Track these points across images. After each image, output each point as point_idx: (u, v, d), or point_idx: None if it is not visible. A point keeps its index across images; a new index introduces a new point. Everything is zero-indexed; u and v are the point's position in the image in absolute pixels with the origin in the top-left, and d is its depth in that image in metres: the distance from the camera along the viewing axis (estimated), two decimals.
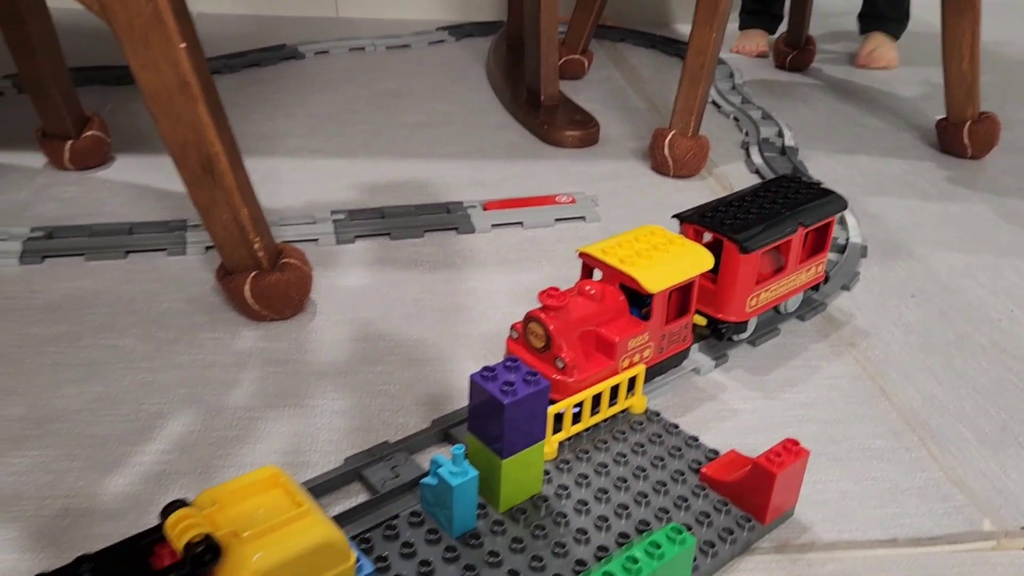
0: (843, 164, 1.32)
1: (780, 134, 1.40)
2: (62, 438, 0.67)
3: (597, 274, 0.76)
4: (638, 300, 0.73)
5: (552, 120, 1.36)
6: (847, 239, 1.05)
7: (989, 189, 1.25)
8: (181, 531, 0.46)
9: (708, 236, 0.82)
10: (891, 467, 0.70)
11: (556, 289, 0.69)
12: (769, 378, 0.80)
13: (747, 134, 1.41)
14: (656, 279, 0.71)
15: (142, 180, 1.12)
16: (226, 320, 0.84)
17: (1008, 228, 1.14)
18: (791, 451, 0.62)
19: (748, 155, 1.32)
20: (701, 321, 0.82)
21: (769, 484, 0.61)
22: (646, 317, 0.73)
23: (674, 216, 0.82)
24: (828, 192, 0.87)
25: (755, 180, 1.24)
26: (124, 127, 1.25)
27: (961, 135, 1.34)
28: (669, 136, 1.21)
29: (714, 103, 1.55)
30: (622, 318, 0.72)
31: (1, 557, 0.57)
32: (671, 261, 0.73)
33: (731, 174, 1.25)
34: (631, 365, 0.72)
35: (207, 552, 0.45)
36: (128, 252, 0.94)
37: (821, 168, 1.28)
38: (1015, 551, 0.62)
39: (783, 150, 1.33)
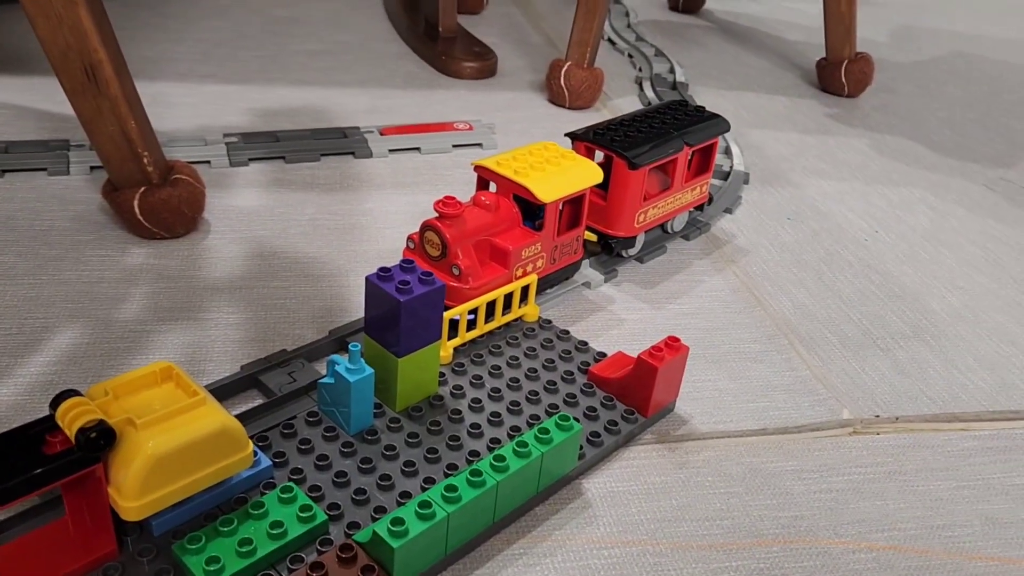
0: (729, 100, 1.37)
1: (672, 71, 1.44)
2: None
3: (493, 188, 0.78)
4: (531, 212, 0.76)
5: (450, 51, 1.35)
6: (731, 167, 1.10)
7: (863, 125, 1.33)
8: (73, 418, 0.46)
9: (600, 156, 0.85)
10: (764, 367, 0.75)
11: (452, 198, 0.71)
12: (655, 291, 0.84)
13: (640, 70, 1.45)
14: (549, 190, 0.74)
15: (19, 100, 1.07)
16: (114, 237, 0.82)
17: (878, 160, 1.21)
18: (672, 347, 0.66)
19: (641, 89, 1.36)
20: (592, 238, 0.85)
21: (651, 378, 0.64)
22: (539, 228, 0.75)
23: (567, 134, 0.85)
24: (713, 116, 0.91)
25: None
26: (1, 47, 1.19)
27: (839, 74, 1.41)
28: (565, 67, 1.23)
29: (609, 40, 1.58)
30: (516, 228, 0.75)
31: None
32: (563, 174, 0.76)
33: (624, 107, 1.29)
34: (525, 274, 0.75)
35: (100, 437, 0.45)
36: (4, 171, 0.90)
37: (709, 102, 1.33)
38: (868, 435, 0.69)
39: (674, 85, 1.37)
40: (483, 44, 1.41)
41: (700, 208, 0.95)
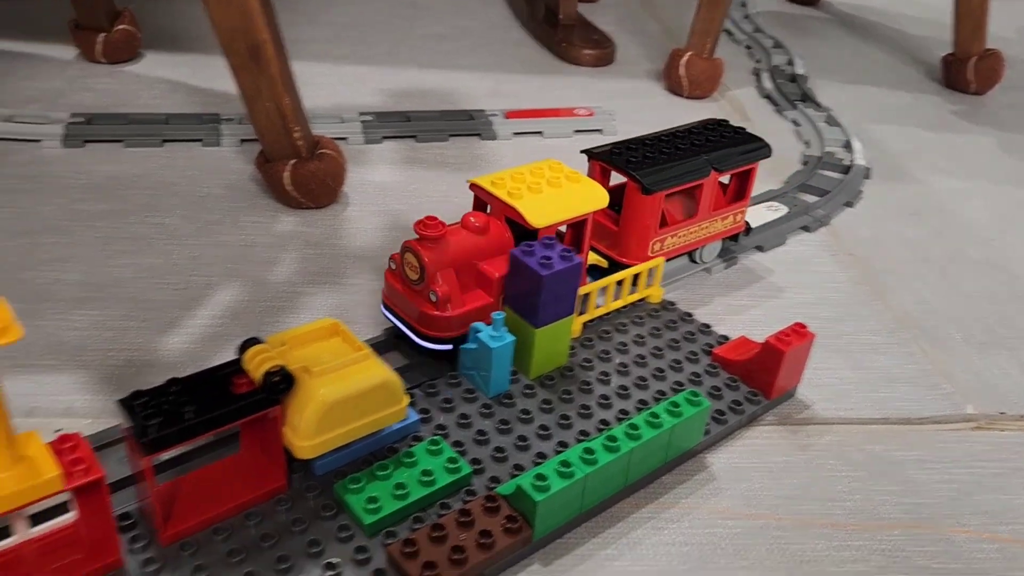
0: (849, 94, 1.36)
1: (790, 62, 1.43)
2: (120, 302, 0.72)
3: None
4: (527, 237, 0.68)
5: (569, 38, 1.38)
6: (852, 160, 1.09)
7: (990, 123, 1.30)
8: (259, 363, 0.51)
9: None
10: (885, 359, 0.76)
11: (434, 218, 0.65)
12: (775, 280, 0.85)
13: (758, 61, 1.45)
14: (542, 214, 0.67)
15: (172, 75, 1.15)
16: (264, 206, 0.88)
17: (1006, 159, 1.19)
18: (799, 333, 0.67)
19: (759, 80, 1.36)
20: (603, 263, 0.79)
21: (778, 362, 0.66)
22: None
23: (583, 151, 0.78)
24: (753, 138, 0.82)
25: (766, 105, 1.28)
26: (150, 25, 1.27)
27: (966, 70, 1.38)
28: (686, 57, 1.24)
29: (726, 31, 1.58)
30: (507, 254, 0.67)
31: (76, 396, 0.63)
32: (562, 197, 0.69)
33: (743, 97, 1.29)
34: None
35: (283, 381, 0.51)
36: (165, 141, 0.98)
37: (829, 96, 1.32)
38: (992, 431, 0.69)
39: (793, 77, 1.37)
40: (601, 32, 1.43)
41: (735, 238, 0.86)
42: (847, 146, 1.14)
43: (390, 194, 0.93)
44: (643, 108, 1.22)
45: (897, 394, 0.72)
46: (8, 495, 0.43)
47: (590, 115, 1.15)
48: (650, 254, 0.77)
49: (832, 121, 1.21)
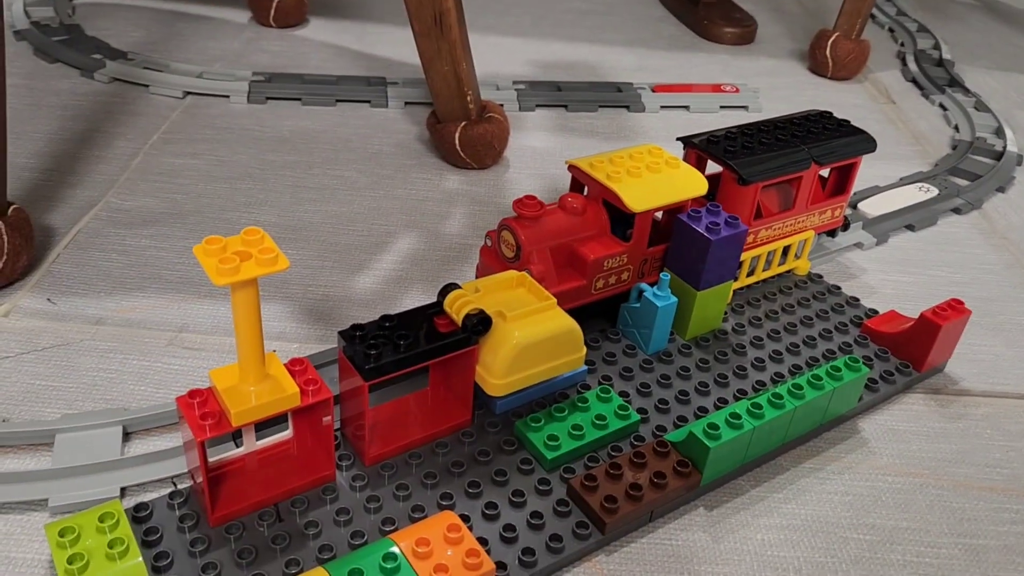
0: (998, 80, 1.33)
1: (936, 46, 1.41)
2: (311, 243, 0.79)
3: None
4: (624, 220, 0.68)
5: (711, 16, 1.40)
6: (1004, 147, 1.08)
7: None
8: (460, 306, 0.56)
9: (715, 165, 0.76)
10: None
11: (533, 198, 0.66)
12: (927, 259, 0.86)
13: (903, 44, 1.43)
14: (641, 198, 0.66)
15: (337, 40, 1.22)
16: (432, 164, 0.94)
17: None
18: (956, 309, 0.69)
19: (904, 64, 1.34)
20: None
21: (933, 335, 0.68)
22: (628, 238, 0.68)
23: (679, 138, 0.76)
24: (857, 131, 0.79)
25: (911, 88, 1.27)
26: None
27: None
28: (833, 37, 1.24)
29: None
30: (603, 236, 0.68)
31: (285, 324, 0.70)
32: (661, 182, 0.68)
33: (886, 80, 1.29)
34: (606, 286, 0.69)
35: (481, 323, 0.56)
36: (338, 101, 1.05)
37: (977, 82, 1.30)
38: None
39: (939, 62, 1.35)
40: (743, 10, 1.44)
41: (832, 233, 0.83)
42: (998, 132, 1.13)
43: (546, 159, 0.98)
44: (785, 87, 1.23)
45: None
46: (259, 406, 0.48)
47: (736, 92, 1.17)
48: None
49: (981, 107, 1.19)
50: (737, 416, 0.58)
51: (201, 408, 0.48)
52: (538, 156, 0.98)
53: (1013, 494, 0.60)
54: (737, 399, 0.65)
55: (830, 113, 0.81)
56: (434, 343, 0.54)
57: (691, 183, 0.70)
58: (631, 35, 1.36)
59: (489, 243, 0.68)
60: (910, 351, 0.70)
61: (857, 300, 0.77)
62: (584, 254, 0.66)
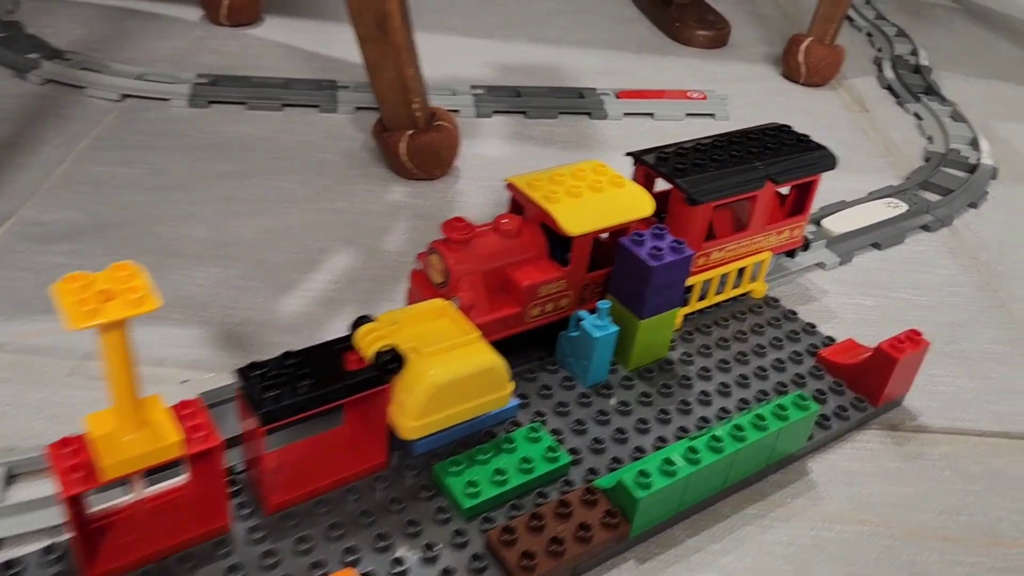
0: (977, 88, 1.29)
1: (914, 52, 1.37)
2: (239, 261, 0.75)
3: None
4: (565, 242, 0.64)
5: (683, 18, 1.35)
6: (978, 159, 1.04)
7: None
8: (370, 341, 0.52)
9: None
10: (1007, 370, 0.73)
11: (461, 220, 0.62)
12: (892, 280, 0.82)
13: (880, 50, 1.39)
14: (578, 220, 0.62)
15: (291, 40, 1.17)
16: (377, 175, 0.89)
17: None
18: (913, 340, 0.65)
19: (880, 70, 1.30)
20: None
21: (889, 368, 0.64)
22: (568, 262, 0.64)
23: (628, 154, 0.71)
24: (817, 147, 0.74)
25: (886, 96, 1.23)
26: None
27: None
28: (806, 42, 1.20)
29: (847, 17, 1.52)
30: (540, 260, 0.64)
31: (199, 351, 0.65)
32: (602, 203, 0.64)
33: (862, 87, 1.25)
34: (542, 314, 0.65)
35: (393, 361, 0.51)
36: (284, 105, 1.00)
37: (955, 89, 1.26)
38: None
39: (916, 68, 1.31)
40: (717, 13, 1.39)
41: (791, 254, 0.79)
42: (973, 143, 1.09)
43: (499, 169, 0.93)
44: (756, 93, 1.19)
45: (1018, 407, 0.69)
46: (132, 457, 0.44)
47: (703, 99, 1.12)
48: (693, 268, 0.70)
49: (958, 116, 1.16)
50: (671, 462, 0.53)
51: (72, 459, 0.44)
52: (492, 166, 0.94)
53: (969, 544, 0.56)
54: (679, 438, 0.61)
55: (789, 127, 0.76)
56: (340, 383, 0.50)
57: (636, 203, 0.65)
58: (600, 37, 1.32)
59: (419, 266, 0.64)
60: (866, 384, 0.66)
61: (814, 327, 0.72)
62: (517, 280, 0.62)
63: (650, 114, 1.08)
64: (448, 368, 0.52)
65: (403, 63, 0.82)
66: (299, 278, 0.74)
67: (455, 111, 1.03)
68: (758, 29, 1.42)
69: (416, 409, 0.52)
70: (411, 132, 0.85)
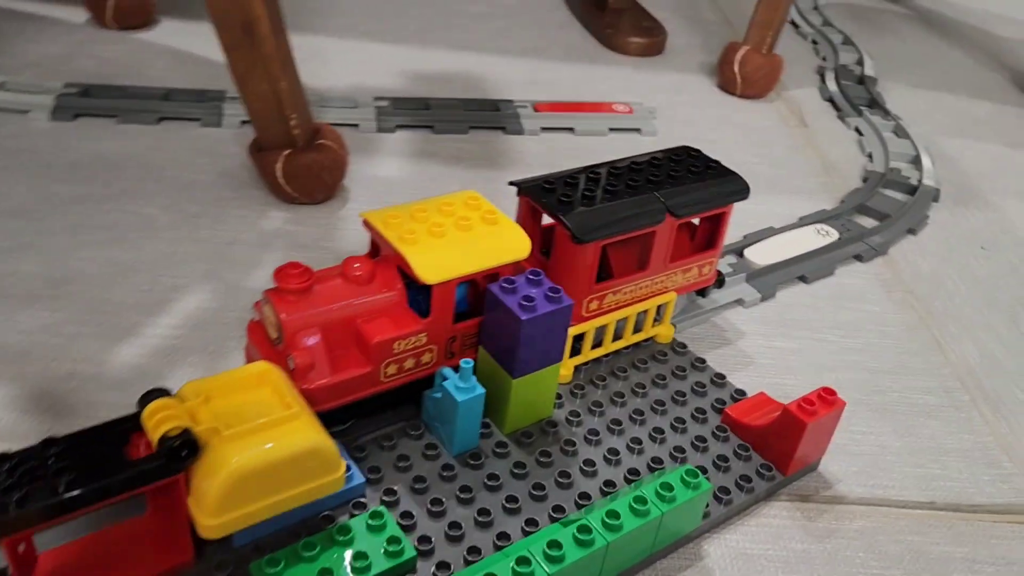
0: (923, 100, 1.23)
1: (860, 62, 1.30)
2: (76, 301, 0.65)
3: None
4: (423, 289, 0.55)
5: (617, 24, 1.27)
6: (919, 180, 0.97)
7: None
8: (158, 422, 0.43)
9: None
10: (938, 425, 0.65)
11: (298, 265, 0.53)
12: (818, 319, 0.75)
13: (824, 59, 1.32)
14: (437, 266, 0.54)
15: (184, 45, 1.08)
16: (255, 198, 0.80)
17: None
18: (826, 400, 0.57)
19: (823, 81, 1.23)
20: None
21: (798, 433, 0.56)
22: (428, 313, 0.56)
23: (511, 183, 0.63)
24: (728, 174, 0.66)
25: (827, 109, 1.16)
26: None
27: None
28: (742, 51, 1.12)
29: (792, 23, 1.45)
30: (395, 310, 0.55)
31: (2, 415, 0.56)
32: (469, 244, 0.56)
33: (802, 98, 1.17)
34: (400, 372, 0.55)
35: (183, 447, 0.42)
36: (161, 119, 0.91)
37: (900, 101, 1.19)
38: None
39: (861, 79, 1.24)
40: (653, 19, 1.32)
41: (702, 293, 0.71)
42: (915, 162, 1.02)
43: (396, 191, 0.84)
44: (688, 106, 1.11)
45: (948, 471, 0.61)
46: None
47: (629, 112, 1.04)
48: (584, 314, 0.62)
49: (901, 132, 1.08)
50: (527, 562, 0.45)
51: None
52: (388, 188, 0.85)
53: None
54: (553, 519, 0.52)
55: (699, 151, 0.68)
56: (113, 477, 0.41)
57: (509, 244, 0.57)
58: (527, 43, 1.23)
59: (257, 316, 0.55)
60: (774, 449, 0.58)
61: (723, 378, 0.64)
62: (367, 335, 0.53)
63: (571, 129, 1.00)
64: (254, 454, 0.43)
65: (276, 75, 0.73)
66: (140, 321, 0.64)
67: (354, 126, 0.94)
68: (697, 36, 1.34)
69: (214, 505, 0.43)
70: (288, 152, 0.76)
